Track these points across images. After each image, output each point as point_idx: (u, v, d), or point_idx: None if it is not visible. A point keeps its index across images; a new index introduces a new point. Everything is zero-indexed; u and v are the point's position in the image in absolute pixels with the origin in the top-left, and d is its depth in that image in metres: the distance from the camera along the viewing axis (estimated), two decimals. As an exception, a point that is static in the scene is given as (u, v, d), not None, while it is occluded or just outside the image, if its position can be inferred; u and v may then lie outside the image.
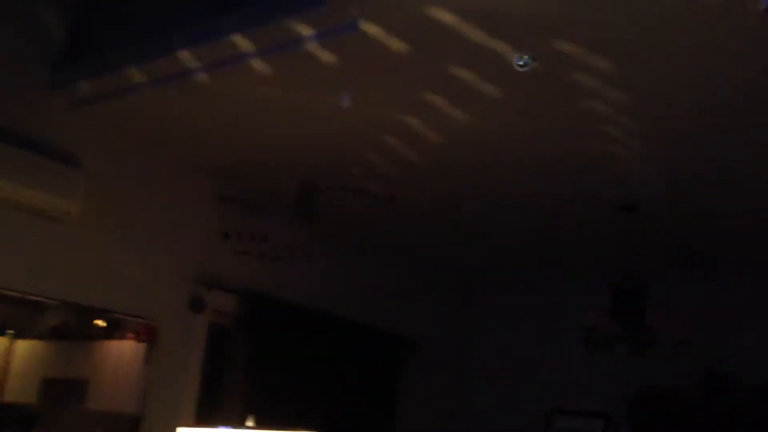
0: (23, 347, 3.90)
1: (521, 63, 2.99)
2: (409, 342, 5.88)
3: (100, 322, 4.23)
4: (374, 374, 5.64)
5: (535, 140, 3.75)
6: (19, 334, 3.89)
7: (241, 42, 3.21)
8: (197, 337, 4.58)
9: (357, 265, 5.66)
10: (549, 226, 5.03)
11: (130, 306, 4.21)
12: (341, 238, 5.48)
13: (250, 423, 3.62)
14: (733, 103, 3.16)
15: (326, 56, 3.15)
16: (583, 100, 3.25)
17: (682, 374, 5.17)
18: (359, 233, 5.58)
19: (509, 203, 4.69)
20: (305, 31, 3.04)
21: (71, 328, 4.12)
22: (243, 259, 4.62)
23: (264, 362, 4.84)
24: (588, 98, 3.23)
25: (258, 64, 3.30)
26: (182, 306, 4.51)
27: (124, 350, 4.27)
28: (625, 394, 5.40)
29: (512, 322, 6.38)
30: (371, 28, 2.90)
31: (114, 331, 4.26)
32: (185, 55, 3.39)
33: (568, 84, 3.12)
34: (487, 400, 6.28)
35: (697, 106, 3.23)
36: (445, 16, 2.76)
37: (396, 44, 2.99)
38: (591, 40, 2.80)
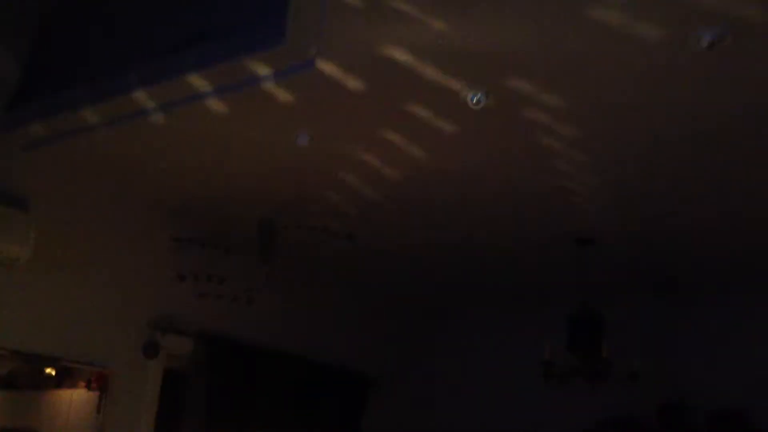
0: (-31, 398, 3.75)
1: (475, 100, 3.05)
2: (371, 379, 5.83)
3: (51, 371, 4.09)
4: (336, 413, 5.56)
5: (491, 176, 3.82)
6: (-35, 385, 3.74)
7: (198, 81, 3.21)
8: (151, 383, 4.46)
9: (317, 303, 5.61)
10: (506, 260, 5.09)
11: (82, 353, 4.09)
12: (301, 277, 5.44)
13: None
14: (678, 136, 3.27)
15: (283, 95, 3.17)
16: (537, 135, 3.33)
17: (638, 404, 5.23)
18: (318, 271, 5.55)
19: (467, 238, 4.73)
20: (262, 70, 3.06)
21: (20, 378, 3.98)
22: (200, 301, 4.54)
23: (222, 407, 4.73)
24: (541, 134, 3.31)
25: (215, 103, 3.30)
26: (136, 351, 4.40)
27: (75, 399, 4.13)
28: (583, 426, 5.42)
29: (472, 356, 6.38)
30: (328, 67, 2.94)
31: (64, 379, 4.12)
32: (140, 95, 3.37)
33: (521, 120, 3.20)
34: (448, 434, 6.24)
35: (645, 139, 3.33)
36: (401, 55, 2.81)
37: (352, 82, 3.03)
38: (543, 77, 2.88)
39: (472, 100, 3.05)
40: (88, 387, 4.14)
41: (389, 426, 5.96)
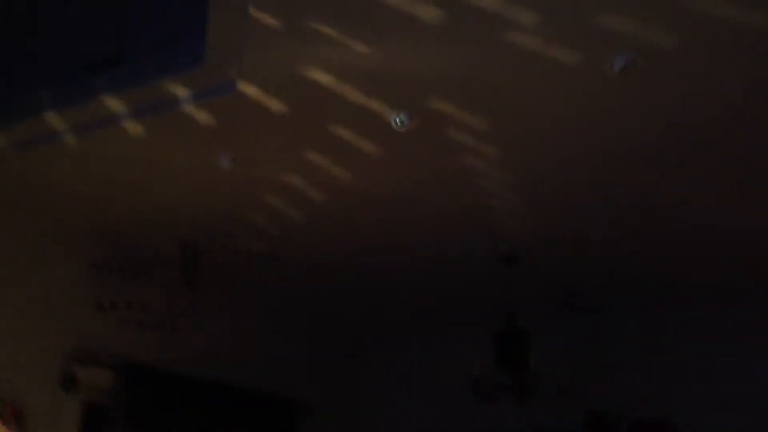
0: None
1: (399, 122, 3.06)
2: (301, 403, 5.74)
3: (-42, 408, 3.86)
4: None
5: (416, 196, 3.83)
6: None
7: (114, 103, 3.12)
8: (69, 418, 4.26)
9: (242, 329, 5.50)
10: (432, 279, 5.11)
11: (-7, 388, 3.89)
12: (225, 301, 5.33)
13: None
14: (595, 155, 3.36)
15: (204, 117, 3.11)
16: (460, 155, 3.36)
17: (565, 417, 5.32)
18: (244, 295, 5.45)
19: (392, 258, 4.73)
20: (181, 92, 3.00)
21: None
22: (120, 330, 4.38)
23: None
24: (464, 154, 3.35)
25: (132, 126, 3.21)
26: (52, 385, 4.20)
27: (-14, 437, 3.90)
28: (514, 441, 5.48)
29: (400, 376, 6.37)
30: (249, 89, 2.90)
31: (-26, 416, 3.90)
32: (53, 117, 3.24)
33: (445, 141, 3.23)
34: (380, 458, 6.20)
35: (564, 158, 3.41)
36: (323, 77, 2.80)
37: (275, 104, 3.00)
38: (464, 99, 2.92)
39: (395, 121, 3.06)
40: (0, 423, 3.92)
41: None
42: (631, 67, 2.59)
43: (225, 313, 5.31)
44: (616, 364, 5.52)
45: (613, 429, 5.30)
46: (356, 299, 5.64)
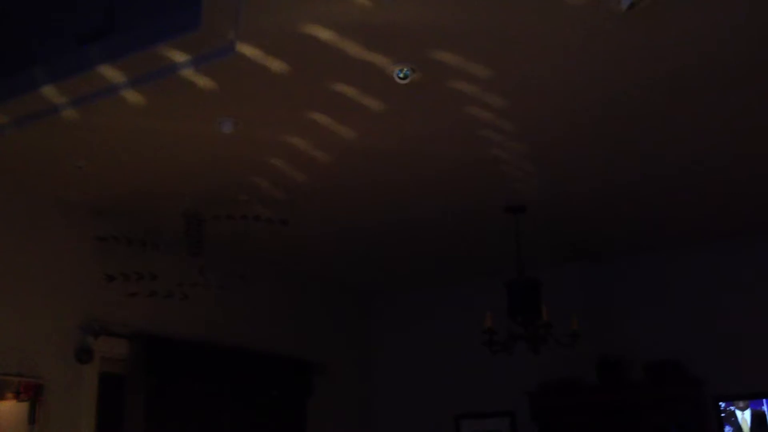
0: None
1: (401, 75, 3.01)
2: (314, 365, 5.79)
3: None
4: (281, 402, 5.50)
5: (420, 150, 3.80)
6: None
7: (111, 73, 3.06)
8: (87, 390, 4.30)
9: (253, 293, 5.51)
10: (440, 233, 5.10)
11: (8, 364, 3.90)
12: (234, 267, 5.33)
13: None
14: (600, 101, 3.32)
15: (203, 81, 3.05)
16: (464, 106, 3.32)
17: (578, 364, 5.37)
18: (252, 260, 5.45)
19: (400, 215, 4.72)
20: (179, 57, 2.94)
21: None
22: (132, 301, 4.39)
23: (163, 408, 4.60)
24: (468, 105, 3.30)
25: (131, 95, 3.16)
26: (68, 358, 4.23)
27: (4, 411, 3.93)
28: (528, 389, 5.53)
29: (413, 332, 6.42)
30: (248, 50, 2.84)
31: (-9, 391, 3.92)
32: (50, 91, 3.19)
33: (448, 92, 3.18)
34: (395, 411, 6.27)
35: (569, 105, 3.37)
36: (322, 33, 2.74)
37: (275, 64, 2.94)
38: (468, 49, 2.87)
39: (398, 75, 3.01)
40: (18, 398, 3.95)
41: (335, 409, 5.95)
42: (638, 3, 2.53)
43: (235, 279, 5.32)
44: (626, 308, 5.56)
45: (627, 372, 5.35)
46: (365, 257, 5.65)
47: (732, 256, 5.26)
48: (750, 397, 4.98)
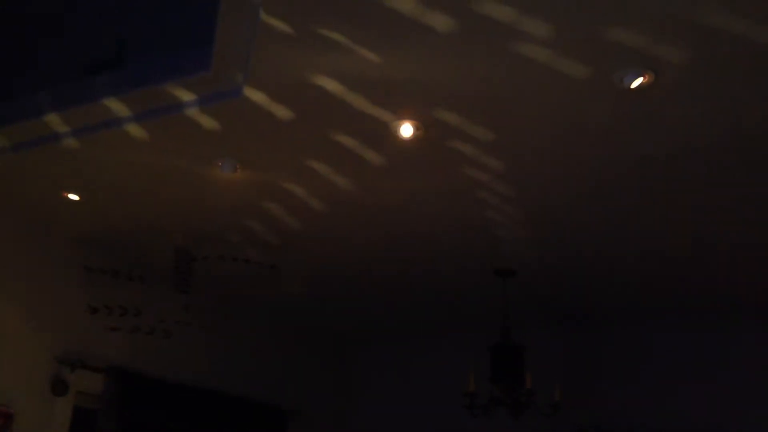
0: None
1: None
2: (290, 412, 5.69)
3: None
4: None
5: (415, 206, 3.81)
6: None
7: (116, 106, 3.09)
8: (60, 423, 4.21)
9: (235, 336, 5.45)
10: (428, 291, 5.08)
11: (-19, 391, 3.83)
12: (218, 309, 5.28)
13: None
14: (599, 171, 3.35)
15: (208, 122, 3.08)
16: (463, 167, 3.35)
17: (558, 431, 5.29)
18: (236, 302, 5.40)
19: (389, 268, 4.70)
20: (186, 96, 2.98)
21: None
22: (112, 335, 4.33)
23: (134, 446, 4.49)
24: (467, 165, 3.33)
25: (134, 129, 3.18)
26: (42, 389, 4.15)
27: (-28, 441, 3.84)
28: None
29: (393, 388, 6.33)
30: (255, 95, 2.88)
31: (-40, 420, 3.83)
32: (53, 119, 3.21)
33: (448, 151, 3.21)
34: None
35: (567, 173, 3.39)
36: (329, 84, 2.78)
37: (280, 111, 2.98)
38: (470, 110, 2.91)
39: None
40: (-12, 427, 3.86)
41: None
42: (641, 82, 2.59)
43: (218, 321, 5.27)
44: (608, 377, 5.52)
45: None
46: (349, 308, 5.61)
47: (718, 331, 5.25)
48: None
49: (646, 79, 2.58)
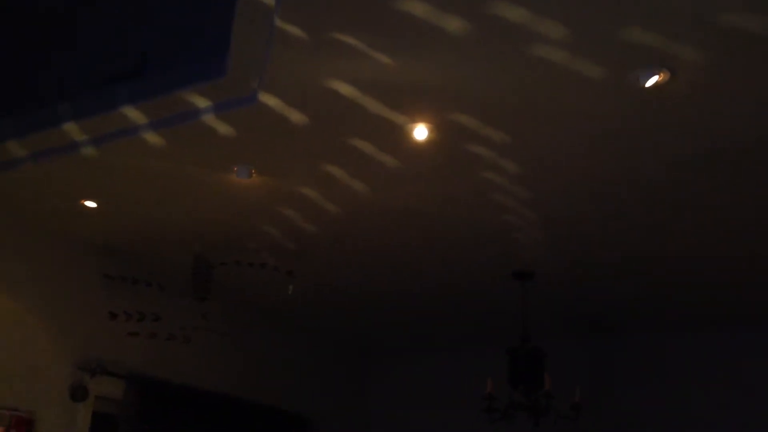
0: None
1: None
2: (309, 420, 5.69)
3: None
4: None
5: (433, 211, 3.81)
6: None
7: (134, 114, 3.12)
8: (80, 428, 4.24)
9: (253, 343, 5.47)
10: (445, 295, 5.07)
11: (2, 396, 3.86)
12: (236, 315, 5.30)
13: None
14: (617, 174, 3.33)
15: (224, 128, 3.10)
16: (479, 170, 3.34)
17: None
18: (254, 309, 5.42)
19: (406, 273, 4.70)
20: (202, 103, 2.99)
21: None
22: (131, 341, 4.35)
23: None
24: (484, 169, 3.32)
25: (151, 137, 3.20)
26: (62, 394, 4.18)
27: (-6, 446, 3.88)
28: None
29: (411, 393, 6.31)
30: (270, 100, 2.89)
31: (-18, 425, 3.87)
32: (72, 128, 3.24)
33: (464, 155, 3.20)
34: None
35: (585, 176, 3.38)
36: (344, 88, 2.79)
37: (295, 116, 2.99)
38: (487, 113, 2.90)
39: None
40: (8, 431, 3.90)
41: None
42: (657, 81, 2.57)
43: (236, 328, 5.28)
44: (628, 383, 5.47)
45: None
46: (368, 314, 5.61)
47: (741, 340, 5.19)
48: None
49: (662, 78, 2.56)
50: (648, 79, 2.55)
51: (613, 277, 4.58)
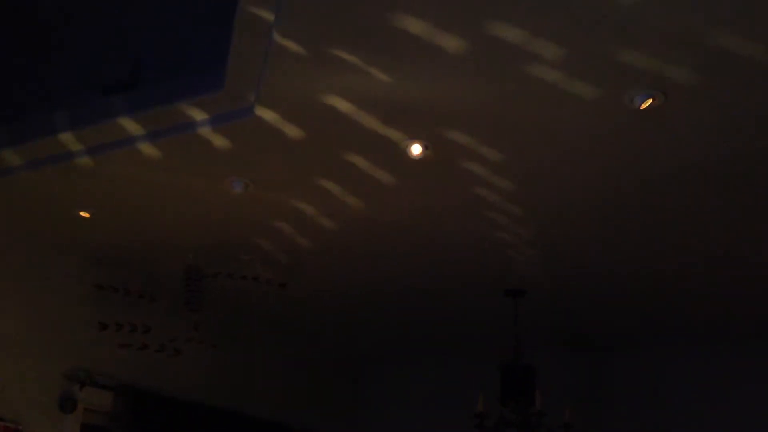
0: None
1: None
2: (300, 431, 5.66)
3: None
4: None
5: (426, 227, 3.82)
6: None
7: (130, 125, 3.12)
8: (67, 439, 4.21)
9: (245, 354, 5.44)
10: (439, 310, 5.07)
11: (-10, 407, 3.84)
12: (227, 326, 5.28)
13: None
14: (610, 192, 3.35)
15: (220, 141, 3.10)
16: (473, 187, 3.36)
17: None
18: (246, 320, 5.40)
19: (399, 287, 4.70)
20: (199, 115, 3.00)
21: None
22: (121, 352, 4.32)
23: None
24: (477, 186, 3.34)
25: (147, 148, 3.21)
26: (51, 405, 4.15)
27: (-20, 458, 3.84)
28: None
29: (403, 408, 6.29)
30: (267, 114, 2.90)
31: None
32: (67, 137, 3.24)
33: (458, 172, 3.22)
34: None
35: (579, 194, 3.40)
36: (341, 104, 2.80)
37: (291, 130, 3.00)
38: (482, 131, 2.92)
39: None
40: (-5, 444, 3.86)
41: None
42: (651, 104, 2.59)
43: (227, 339, 5.26)
44: (619, 401, 5.47)
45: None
46: (360, 328, 5.60)
47: (732, 357, 5.21)
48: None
49: (656, 100, 2.58)
50: (641, 101, 2.57)
51: (605, 295, 4.59)
